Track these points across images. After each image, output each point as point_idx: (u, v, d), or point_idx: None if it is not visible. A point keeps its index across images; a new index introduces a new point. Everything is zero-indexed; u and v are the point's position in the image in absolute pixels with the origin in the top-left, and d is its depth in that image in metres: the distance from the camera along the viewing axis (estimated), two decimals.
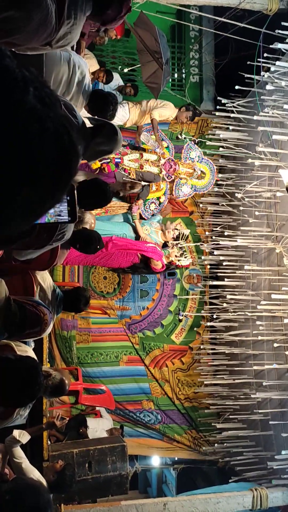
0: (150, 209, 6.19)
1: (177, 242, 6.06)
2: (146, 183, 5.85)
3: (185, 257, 6.11)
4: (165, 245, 6.07)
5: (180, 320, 6.76)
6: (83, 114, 4.41)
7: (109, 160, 5.48)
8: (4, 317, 2.20)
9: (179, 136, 6.32)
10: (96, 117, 3.01)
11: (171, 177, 5.96)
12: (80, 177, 3.78)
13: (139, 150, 5.86)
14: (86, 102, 2.96)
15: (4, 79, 0.54)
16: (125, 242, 5.68)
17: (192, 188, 6.17)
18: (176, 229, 6.16)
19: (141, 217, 6.15)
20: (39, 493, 1.69)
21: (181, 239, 6.11)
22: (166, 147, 6.01)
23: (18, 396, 2.10)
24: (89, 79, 2.98)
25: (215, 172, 6.18)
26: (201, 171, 6.09)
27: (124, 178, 5.66)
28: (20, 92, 0.54)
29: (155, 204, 6.19)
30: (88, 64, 3.26)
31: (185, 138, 6.28)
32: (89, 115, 3.08)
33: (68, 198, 2.13)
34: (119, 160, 5.57)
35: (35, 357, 2.58)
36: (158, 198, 6.19)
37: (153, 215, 6.25)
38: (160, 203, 6.22)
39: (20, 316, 2.26)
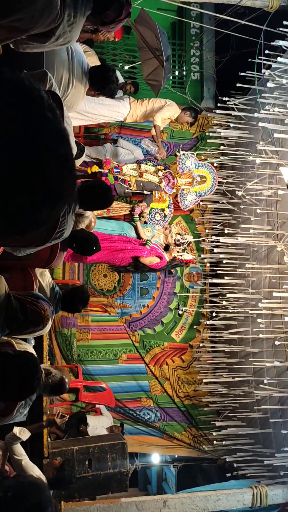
0: (156, 219, 6.17)
1: (178, 248, 6.01)
2: (149, 192, 5.83)
3: (187, 253, 6.09)
4: (166, 248, 6.04)
5: (180, 315, 6.76)
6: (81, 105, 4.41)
7: (107, 171, 5.46)
8: (5, 314, 2.20)
9: (177, 153, 6.16)
10: (99, 92, 3.04)
11: (172, 190, 5.91)
12: None
13: (137, 162, 5.82)
14: (88, 83, 2.97)
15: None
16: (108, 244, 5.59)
17: (197, 195, 6.12)
18: (179, 234, 6.11)
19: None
20: (41, 490, 1.70)
21: (183, 246, 6.06)
22: (163, 169, 5.95)
23: (17, 390, 2.11)
24: (86, 58, 3.02)
25: (215, 173, 6.14)
26: (201, 176, 6.05)
27: (126, 191, 5.64)
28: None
29: (159, 215, 6.16)
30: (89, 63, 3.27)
31: (183, 154, 6.15)
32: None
33: None
34: (118, 171, 5.54)
35: (34, 353, 2.58)
36: (163, 210, 6.15)
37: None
38: (165, 216, 6.19)
39: (21, 314, 2.27)
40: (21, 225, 0.71)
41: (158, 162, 5.88)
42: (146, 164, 5.80)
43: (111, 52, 6.85)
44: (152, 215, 6.11)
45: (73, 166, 0.76)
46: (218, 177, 6.31)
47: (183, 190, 5.98)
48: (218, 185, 6.44)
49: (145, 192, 5.77)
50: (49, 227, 2.32)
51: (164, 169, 5.88)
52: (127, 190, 5.63)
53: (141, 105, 5.65)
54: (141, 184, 5.69)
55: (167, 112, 5.66)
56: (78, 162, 3.56)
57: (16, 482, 1.76)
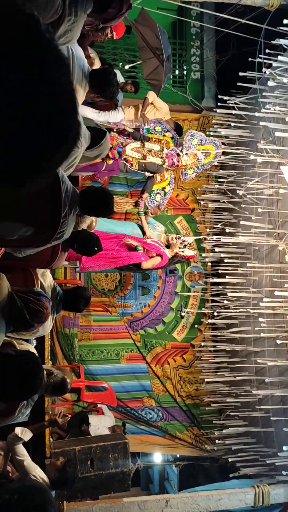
0: (156, 200, 6.09)
1: (180, 244, 5.99)
2: (151, 175, 5.79)
3: (189, 249, 6.06)
4: (168, 246, 6.01)
5: (182, 317, 6.76)
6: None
7: (111, 146, 5.40)
8: (8, 312, 2.21)
9: (179, 153, 6.12)
10: (99, 95, 3.01)
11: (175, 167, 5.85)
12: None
13: (141, 140, 5.76)
14: (88, 86, 2.95)
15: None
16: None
17: (198, 168, 5.96)
18: (179, 237, 6.08)
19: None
20: (44, 493, 1.72)
21: (184, 246, 6.03)
22: (171, 138, 5.90)
23: (19, 390, 2.11)
24: (86, 61, 2.99)
25: (220, 147, 5.90)
26: (206, 152, 5.93)
27: (128, 168, 5.60)
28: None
29: (160, 194, 6.09)
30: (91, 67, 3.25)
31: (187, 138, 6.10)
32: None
33: None
34: (121, 150, 5.51)
35: (36, 353, 2.59)
36: (163, 189, 6.09)
37: (158, 206, 6.13)
38: (165, 193, 6.11)
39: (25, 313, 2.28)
40: (20, 170, 0.62)
41: (166, 126, 5.80)
42: (154, 129, 5.71)
43: (112, 52, 6.85)
44: (152, 198, 6.06)
45: (75, 99, 0.68)
46: (219, 176, 6.28)
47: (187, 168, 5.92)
48: (219, 185, 6.42)
49: (146, 174, 5.72)
50: (50, 223, 2.31)
51: (172, 138, 5.77)
52: (129, 168, 5.58)
53: (133, 109, 5.66)
54: (143, 165, 5.66)
55: (161, 102, 5.65)
56: (104, 151, 3.40)
57: (22, 486, 1.79)
